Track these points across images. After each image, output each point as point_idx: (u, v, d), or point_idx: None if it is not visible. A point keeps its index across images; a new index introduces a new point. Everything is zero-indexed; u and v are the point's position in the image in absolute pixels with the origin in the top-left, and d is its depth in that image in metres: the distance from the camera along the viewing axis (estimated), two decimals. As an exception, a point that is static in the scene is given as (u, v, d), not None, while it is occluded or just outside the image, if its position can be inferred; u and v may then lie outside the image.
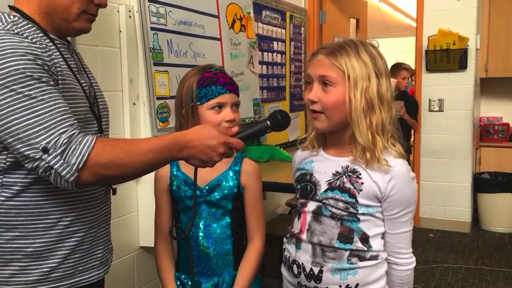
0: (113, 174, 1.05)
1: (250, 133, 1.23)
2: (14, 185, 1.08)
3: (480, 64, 4.63)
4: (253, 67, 3.03)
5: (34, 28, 1.11)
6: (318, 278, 1.26)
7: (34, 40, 1.06)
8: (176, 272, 1.50)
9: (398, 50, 8.06)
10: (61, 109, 1.03)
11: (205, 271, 1.47)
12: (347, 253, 1.25)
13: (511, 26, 4.53)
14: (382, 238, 1.29)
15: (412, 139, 4.64)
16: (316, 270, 1.26)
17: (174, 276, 1.49)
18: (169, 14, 2.26)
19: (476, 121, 4.69)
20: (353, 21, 4.78)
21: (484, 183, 4.51)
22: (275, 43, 3.44)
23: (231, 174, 1.47)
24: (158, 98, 2.16)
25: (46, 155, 0.99)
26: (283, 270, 1.38)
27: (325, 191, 1.27)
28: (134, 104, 2.09)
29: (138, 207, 2.17)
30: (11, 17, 1.10)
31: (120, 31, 2.04)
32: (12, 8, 1.15)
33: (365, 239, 1.26)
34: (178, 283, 1.49)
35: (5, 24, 1.06)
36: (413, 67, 4.71)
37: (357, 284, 1.25)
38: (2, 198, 1.07)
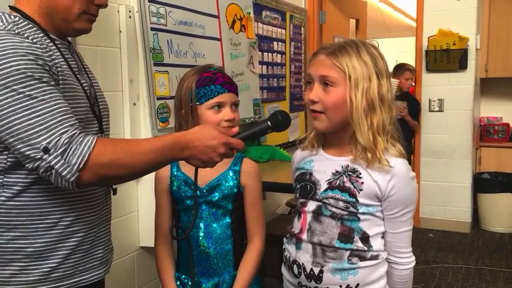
0: (113, 174, 1.05)
1: (251, 133, 1.23)
2: (14, 185, 1.08)
3: (480, 64, 4.63)
4: (253, 67, 3.03)
5: (35, 28, 1.11)
6: (318, 278, 1.26)
7: (34, 41, 1.06)
8: (176, 272, 1.50)
9: (398, 50, 8.05)
10: (62, 109, 1.03)
11: (205, 271, 1.47)
12: (348, 253, 1.25)
13: (511, 26, 4.53)
14: (383, 237, 1.29)
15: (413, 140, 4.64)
16: (316, 270, 1.26)
17: (174, 276, 1.49)
18: (169, 14, 2.26)
19: (476, 121, 4.69)
20: (353, 21, 4.78)
21: (484, 183, 4.51)
22: (275, 43, 3.44)
23: (231, 174, 1.47)
24: (158, 98, 2.16)
25: (47, 155, 0.99)
26: (284, 270, 1.38)
27: (325, 190, 1.27)
28: (134, 104, 2.09)
29: (138, 207, 2.17)
30: (12, 17, 1.10)
31: (120, 31, 2.04)
32: (12, 8, 1.15)
33: (365, 238, 1.26)
34: (178, 283, 1.49)
35: (6, 24, 1.06)
36: (413, 67, 4.72)
37: (358, 284, 1.25)
38: (3, 198, 1.07)
